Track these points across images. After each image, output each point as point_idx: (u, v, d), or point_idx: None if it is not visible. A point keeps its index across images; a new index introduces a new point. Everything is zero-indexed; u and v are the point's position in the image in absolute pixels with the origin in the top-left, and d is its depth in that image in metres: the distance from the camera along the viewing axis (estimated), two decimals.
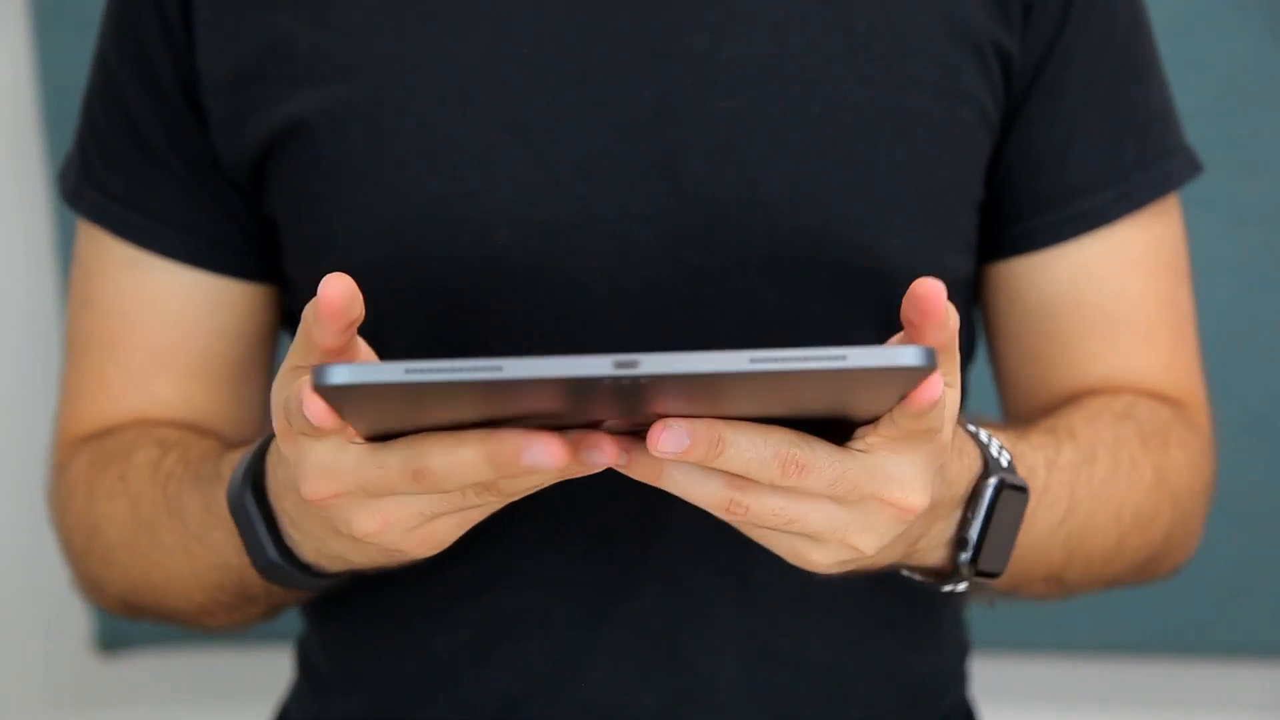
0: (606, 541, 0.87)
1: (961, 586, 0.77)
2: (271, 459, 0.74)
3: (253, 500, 0.75)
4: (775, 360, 0.56)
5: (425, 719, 0.91)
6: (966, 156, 0.88)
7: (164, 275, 0.91)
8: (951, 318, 0.65)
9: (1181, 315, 0.94)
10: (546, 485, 0.67)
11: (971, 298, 0.94)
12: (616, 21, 0.84)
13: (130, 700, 1.63)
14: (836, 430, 0.65)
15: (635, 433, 0.64)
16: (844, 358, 0.56)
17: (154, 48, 0.89)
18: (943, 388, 0.62)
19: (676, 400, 0.60)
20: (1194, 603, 1.48)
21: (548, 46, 0.84)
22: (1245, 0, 1.42)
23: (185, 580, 0.85)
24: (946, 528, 0.75)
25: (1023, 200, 0.91)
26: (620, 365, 0.56)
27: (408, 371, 0.56)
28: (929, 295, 0.64)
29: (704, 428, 0.62)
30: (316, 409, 0.61)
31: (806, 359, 0.56)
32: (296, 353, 0.67)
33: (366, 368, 0.57)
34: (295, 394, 0.63)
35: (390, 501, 0.66)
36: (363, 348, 0.69)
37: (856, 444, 0.64)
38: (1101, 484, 0.85)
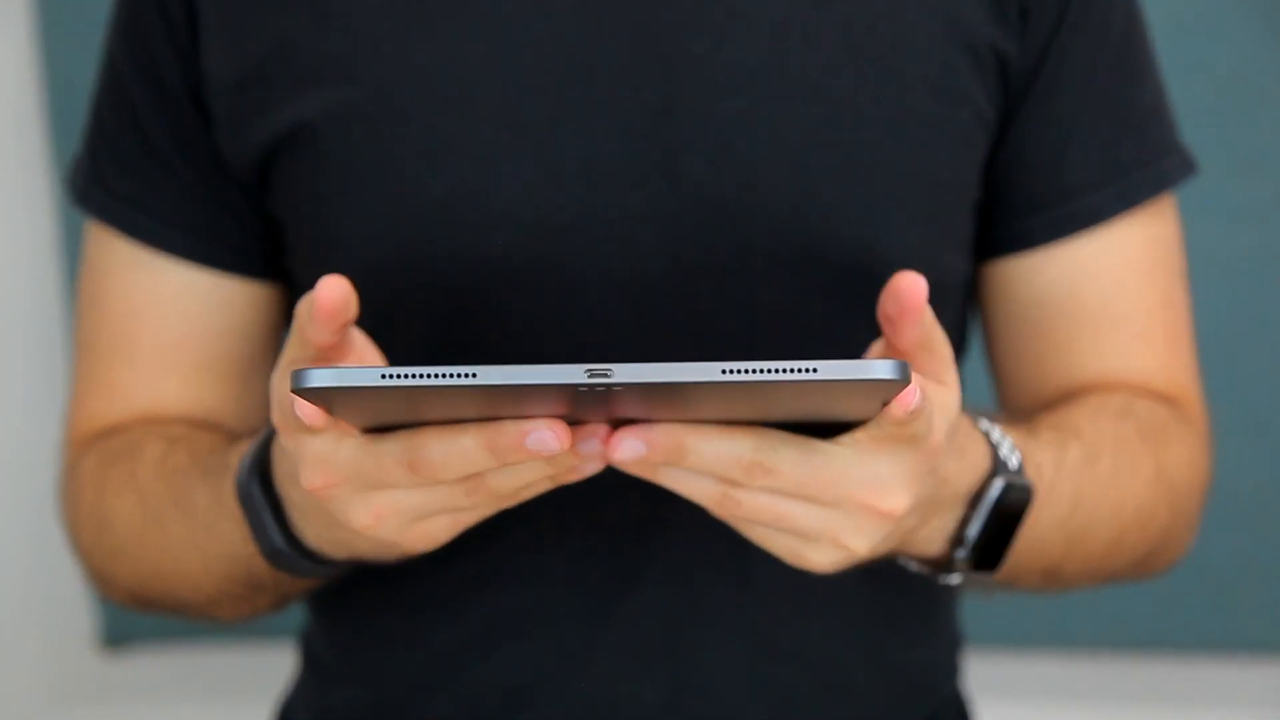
0: (608, 537, 0.88)
1: (956, 579, 0.78)
2: (276, 449, 0.75)
3: (259, 489, 0.76)
4: (746, 372, 0.56)
5: (428, 712, 0.91)
6: (964, 157, 0.88)
7: (171, 275, 0.92)
8: (930, 318, 0.66)
9: (1177, 313, 0.94)
10: (535, 494, 0.68)
11: (968, 297, 0.95)
12: (618, 23, 0.85)
13: (134, 697, 1.63)
14: (834, 429, 0.66)
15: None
16: (815, 370, 0.57)
17: (159, 50, 0.90)
18: (921, 397, 0.62)
19: (655, 406, 0.62)
20: (1192, 600, 1.48)
21: (550, 48, 0.85)
22: (1243, 2, 1.42)
23: (194, 571, 0.86)
24: (946, 523, 0.75)
25: (1019, 199, 0.91)
26: (593, 374, 0.56)
27: (383, 377, 0.57)
28: (910, 289, 0.65)
29: (663, 435, 0.64)
30: (305, 409, 0.63)
31: (777, 371, 0.56)
32: (293, 347, 0.69)
33: (343, 372, 0.58)
34: (286, 392, 0.65)
35: (384, 495, 0.67)
36: (358, 341, 0.71)
37: (840, 442, 0.65)
38: (1105, 482, 0.85)
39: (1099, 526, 0.86)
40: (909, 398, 0.61)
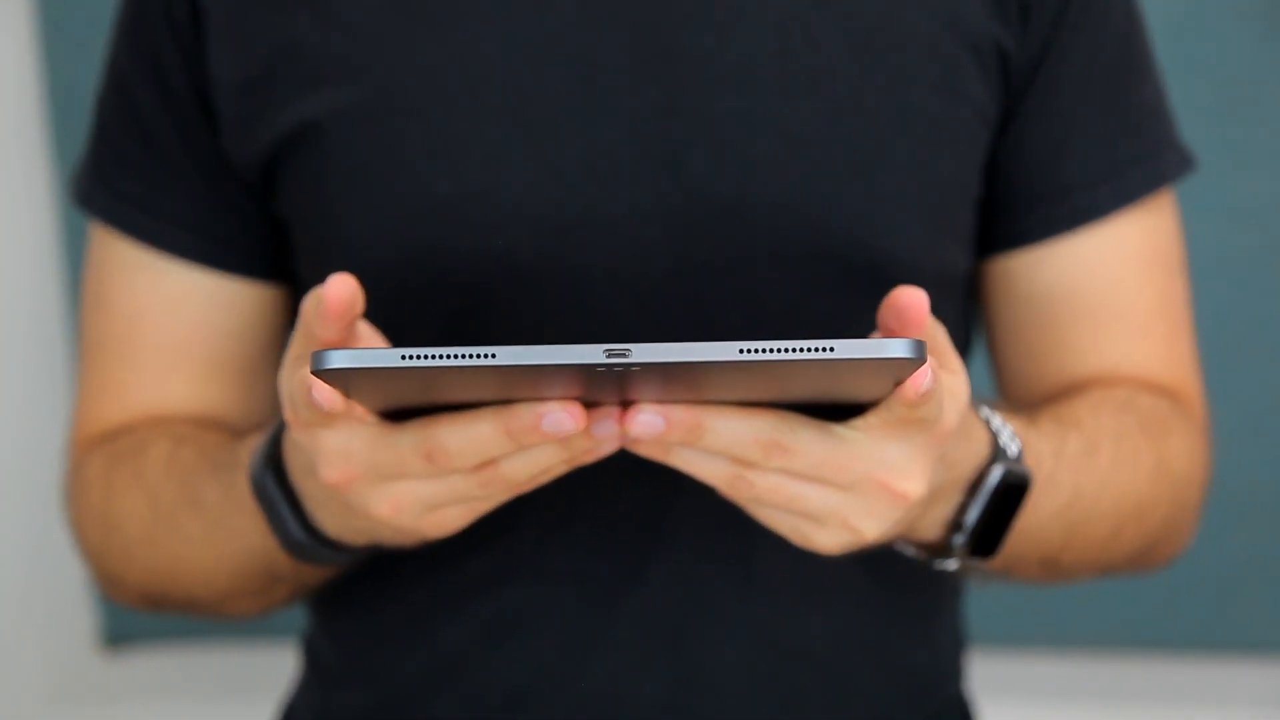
0: (612, 534, 0.88)
1: (952, 564, 0.78)
2: (288, 443, 0.75)
3: (274, 482, 0.76)
4: (763, 351, 0.57)
5: (431, 713, 0.91)
6: (966, 153, 0.89)
7: (176, 276, 0.92)
8: (924, 309, 0.67)
9: (1177, 308, 0.95)
10: (550, 478, 0.68)
11: (969, 292, 0.95)
12: (623, 21, 0.85)
13: (135, 696, 1.63)
14: (848, 412, 0.66)
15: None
16: (831, 349, 0.57)
17: (165, 50, 0.90)
18: (935, 378, 0.62)
19: (673, 388, 0.62)
20: (1192, 599, 1.49)
21: (555, 46, 0.85)
22: (1243, 2, 1.42)
23: (209, 568, 0.86)
24: (946, 509, 0.76)
25: (1019, 196, 0.91)
26: (611, 354, 0.57)
27: (404, 357, 0.57)
28: (910, 305, 0.65)
29: (681, 413, 0.65)
30: (323, 392, 0.63)
31: (793, 350, 0.57)
32: (298, 343, 0.69)
33: (363, 353, 0.58)
34: (300, 383, 0.65)
35: (401, 485, 0.68)
36: (365, 334, 0.71)
37: (854, 426, 0.66)
38: (1105, 474, 0.86)
39: (1098, 517, 0.86)
40: (921, 379, 0.62)
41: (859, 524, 0.68)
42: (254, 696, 1.44)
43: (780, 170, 0.85)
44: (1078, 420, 0.86)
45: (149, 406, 0.93)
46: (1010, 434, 0.77)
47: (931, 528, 0.76)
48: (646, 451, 0.67)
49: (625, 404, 0.65)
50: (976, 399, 0.79)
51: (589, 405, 0.65)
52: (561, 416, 0.63)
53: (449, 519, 0.71)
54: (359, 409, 0.66)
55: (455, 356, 0.57)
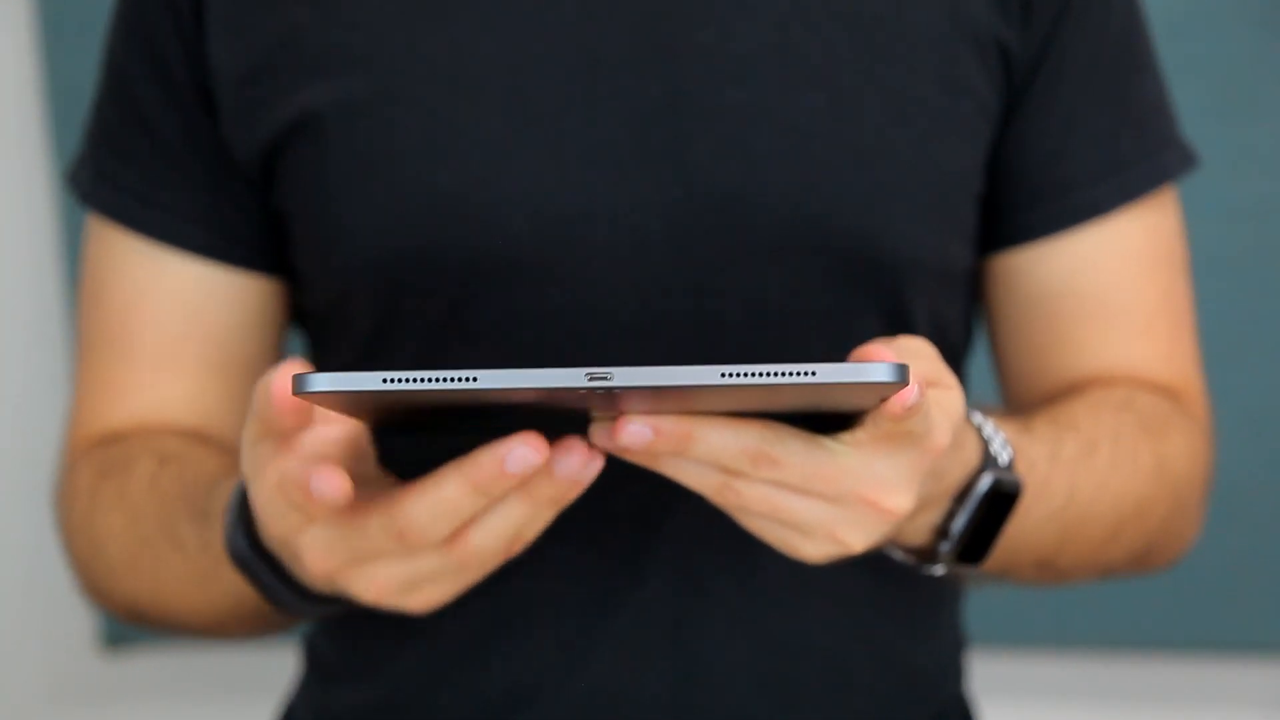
0: (612, 531, 0.88)
1: (940, 570, 0.78)
2: (257, 509, 0.71)
3: (252, 552, 0.75)
4: (744, 375, 0.57)
5: (433, 709, 0.91)
6: (968, 147, 0.89)
7: (175, 268, 0.92)
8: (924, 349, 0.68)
9: (1179, 306, 0.94)
10: (536, 530, 0.70)
11: (971, 289, 0.95)
12: (625, 14, 0.85)
13: (134, 697, 1.63)
14: (844, 419, 0.66)
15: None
16: (813, 374, 0.57)
17: (166, 42, 0.90)
18: (919, 394, 0.62)
19: (661, 403, 0.62)
20: (1193, 599, 1.49)
21: (558, 39, 0.85)
22: (1242, 2, 1.42)
23: (195, 601, 0.86)
24: (933, 517, 0.75)
25: (1020, 192, 0.91)
26: (593, 378, 0.57)
27: (384, 381, 0.57)
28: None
29: (670, 424, 0.64)
30: (331, 485, 0.64)
31: (775, 375, 0.57)
32: (254, 428, 0.68)
33: (344, 377, 0.58)
34: (295, 481, 0.65)
35: (380, 568, 0.69)
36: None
37: (842, 440, 0.66)
38: (1102, 474, 0.85)
39: (1095, 518, 0.86)
40: (906, 395, 0.62)
41: (845, 536, 0.68)
42: (254, 696, 1.44)
43: (782, 163, 0.85)
44: (1075, 421, 0.86)
45: (143, 409, 0.92)
46: (1002, 441, 0.76)
47: (918, 534, 0.76)
48: (635, 459, 0.67)
49: (615, 415, 0.65)
50: (970, 405, 0.79)
51: (579, 419, 0.65)
52: (523, 451, 0.63)
53: (432, 596, 0.71)
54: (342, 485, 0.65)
55: (436, 380, 0.57)
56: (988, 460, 0.76)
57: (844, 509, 0.67)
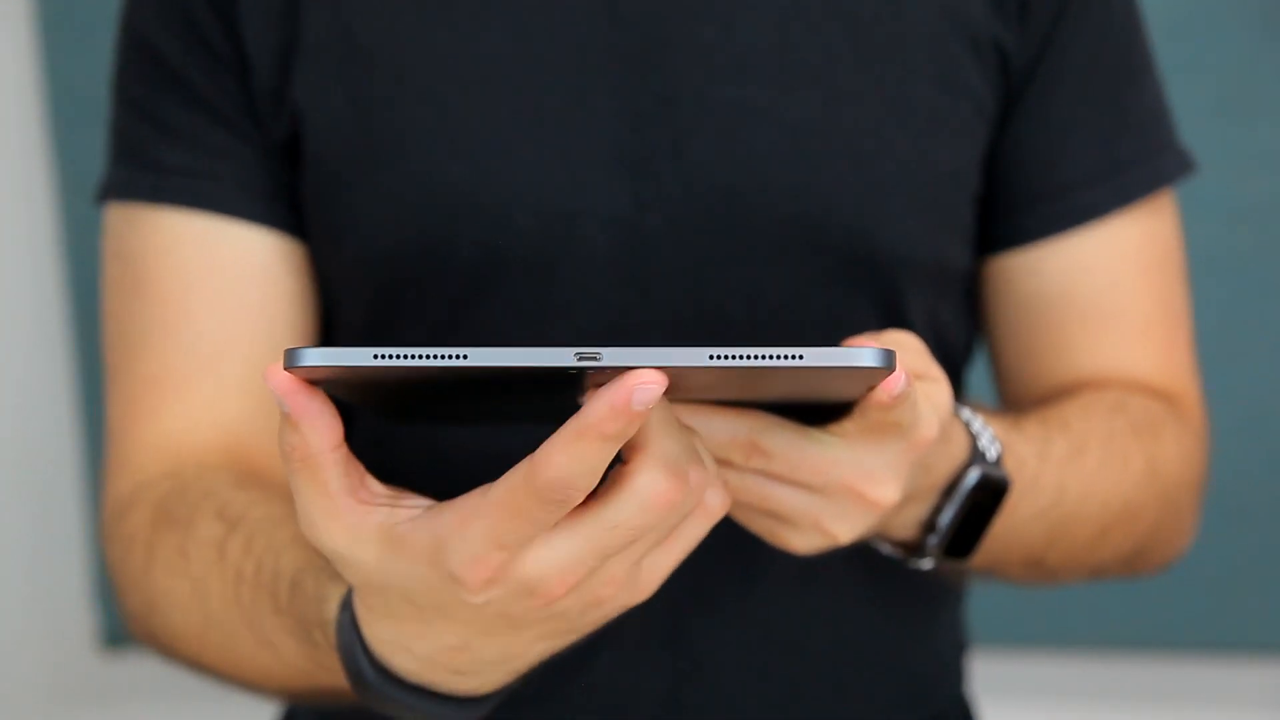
0: None
1: (927, 564, 0.78)
2: (371, 620, 0.65)
3: (389, 682, 0.66)
4: (732, 358, 0.57)
5: None
6: (965, 148, 0.89)
7: (232, 237, 0.88)
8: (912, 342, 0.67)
9: (1175, 310, 0.94)
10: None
11: (970, 290, 0.95)
12: (628, 11, 0.86)
13: (135, 697, 1.63)
14: (827, 409, 0.66)
15: None
16: (800, 357, 0.57)
17: (204, 18, 0.88)
18: (906, 383, 0.62)
19: None
20: (1192, 600, 1.49)
21: (563, 35, 0.86)
22: (1243, 2, 1.42)
23: (273, 683, 0.80)
24: (920, 510, 0.75)
25: (1017, 194, 0.91)
26: (582, 357, 0.57)
27: (376, 357, 0.57)
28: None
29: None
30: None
31: (763, 358, 0.57)
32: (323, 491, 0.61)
33: (336, 352, 0.58)
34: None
35: (549, 549, 0.60)
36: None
37: (831, 431, 0.66)
38: (1092, 475, 0.85)
39: (1084, 519, 0.86)
40: (893, 383, 0.62)
41: (831, 527, 0.68)
42: (254, 698, 1.44)
43: (780, 161, 0.85)
44: (1066, 422, 0.86)
45: (198, 418, 0.88)
46: (990, 437, 0.77)
47: (905, 527, 0.76)
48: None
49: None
50: (959, 401, 0.79)
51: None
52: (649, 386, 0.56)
53: (656, 568, 0.63)
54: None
55: (426, 357, 0.57)
56: (975, 455, 0.76)
57: (831, 500, 0.68)
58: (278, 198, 0.89)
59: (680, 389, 0.62)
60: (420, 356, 0.57)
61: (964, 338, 0.95)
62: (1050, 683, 1.56)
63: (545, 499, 0.57)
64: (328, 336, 0.93)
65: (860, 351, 0.58)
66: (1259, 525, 1.47)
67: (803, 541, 0.70)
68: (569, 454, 0.56)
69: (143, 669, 1.61)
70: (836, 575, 0.90)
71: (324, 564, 0.71)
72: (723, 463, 0.67)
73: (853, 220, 0.86)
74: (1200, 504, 0.95)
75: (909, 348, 0.69)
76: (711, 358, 0.57)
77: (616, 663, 0.89)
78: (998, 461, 0.76)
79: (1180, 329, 0.95)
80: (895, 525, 0.76)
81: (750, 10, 0.86)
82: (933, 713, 0.97)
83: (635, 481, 0.59)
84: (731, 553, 0.88)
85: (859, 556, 0.85)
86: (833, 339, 0.83)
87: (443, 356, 0.57)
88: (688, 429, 0.62)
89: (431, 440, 0.88)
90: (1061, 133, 0.91)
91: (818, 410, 0.66)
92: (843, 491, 0.67)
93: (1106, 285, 0.92)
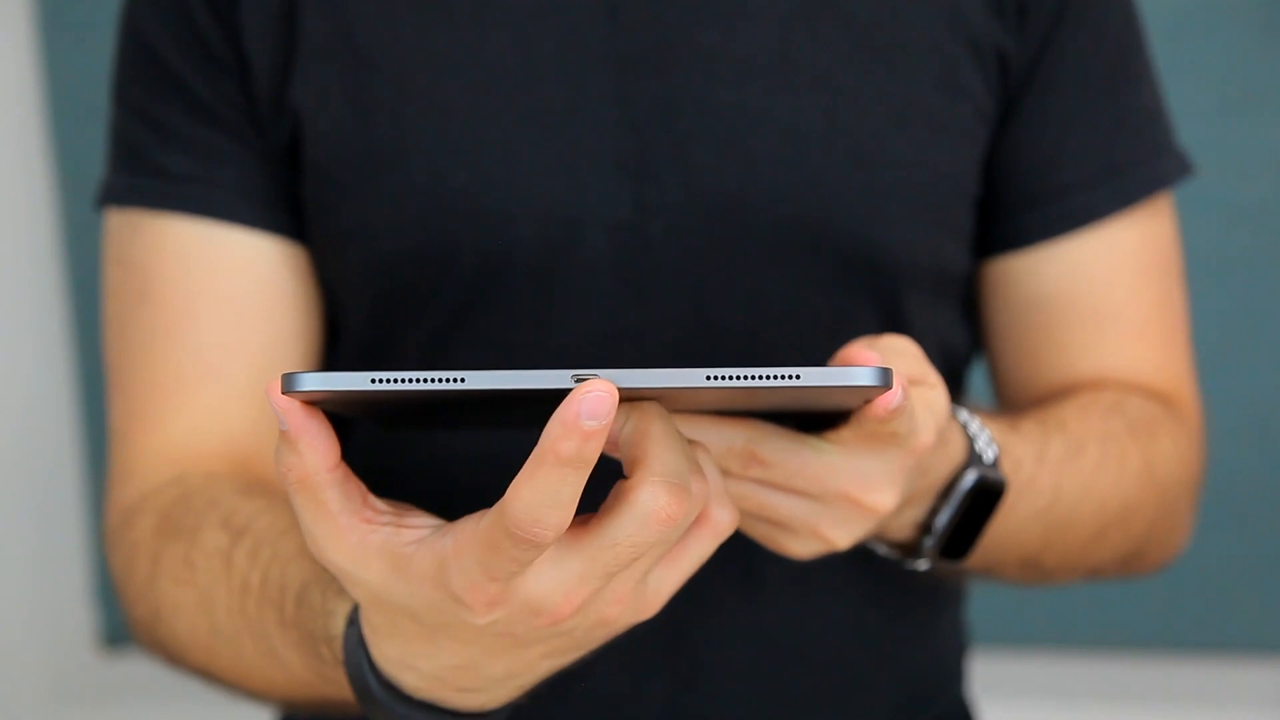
0: None
1: (923, 565, 0.78)
2: (378, 639, 0.65)
3: (397, 698, 0.66)
4: (728, 379, 0.57)
5: None
6: (965, 151, 0.89)
7: (237, 243, 0.89)
8: (909, 347, 0.67)
9: (1173, 312, 0.95)
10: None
11: (969, 293, 0.95)
12: (631, 14, 0.86)
13: (134, 697, 1.63)
14: (826, 415, 0.66)
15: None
16: (797, 377, 0.57)
17: (206, 26, 0.88)
18: (902, 397, 0.62)
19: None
20: (1192, 600, 1.49)
21: (565, 39, 0.86)
22: (1243, 2, 1.42)
23: (281, 693, 0.81)
24: (917, 513, 0.76)
25: (1016, 197, 0.92)
26: (579, 379, 0.57)
27: (373, 381, 0.57)
28: (859, 363, 0.64)
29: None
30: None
31: (759, 378, 0.57)
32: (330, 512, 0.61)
33: (333, 376, 0.58)
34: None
35: (621, 577, 0.61)
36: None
37: (827, 439, 0.66)
38: (1088, 476, 0.86)
39: (1080, 520, 0.86)
40: (890, 398, 0.62)
41: (829, 533, 0.69)
42: None
43: (781, 165, 0.85)
44: (1063, 423, 0.86)
45: (202, 425, 0.88)
46: (987, 439, 0.77)
47: (902, 529, 0.76)
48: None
49: None
50: (958, 403, 0.79)
51: None
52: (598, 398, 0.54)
53: (665, 582, 0.63)
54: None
55: (423, 381, 0.57)
56: (972, 457, 0.76)
57: (828, 507, 0.68)
58: (280, 203, 0.89)
59: (678, 403, 0.62)
60: (417, 381, 0.57)
61: (964, 340, 0.95)
62: (1050, 683, 1.56)
63: (515, 537, 0.56)
64: (332, 341, 0.93)
65: (857, 371, 0.58)
66: (1259, 525, 1.47)
67: (801, 547, 0.70)
68: (530, 486, 0.55)
69: (143, 669, 1.61)
70: (836, 579, 0.90)
71: (330, 577, 0.70)
72: (721, 471, 0.67)
73: (853, 224, 0.86)
74: (1197, 505, 0.95)
75: (905, 353, 0.69)
76: (709, 378, 0.57)
77: (617, 668, 0.89)
78: (994, 463, 0.76)
79: (1178, 330, 0.95)
80: (892, 527, 0.76)
81: (751, 15, 0.86)
82: (933, 715, 0.97)
83: (635, 497, 0.58)
84: (731, 558, 0.88)
85: (859, 560, 0.85)
86: (833, 342, 0.84)
87: (440, 380, 0.57)
88: (694, 443, 0.62)
89: (431, 441, 0.88)
90: (1060, 135, 0.91)
91: (815, 416, 0.67)
92: (840, 499, 0.67)
93: (1104, 287, 0.92)
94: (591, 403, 0.53)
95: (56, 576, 1.57)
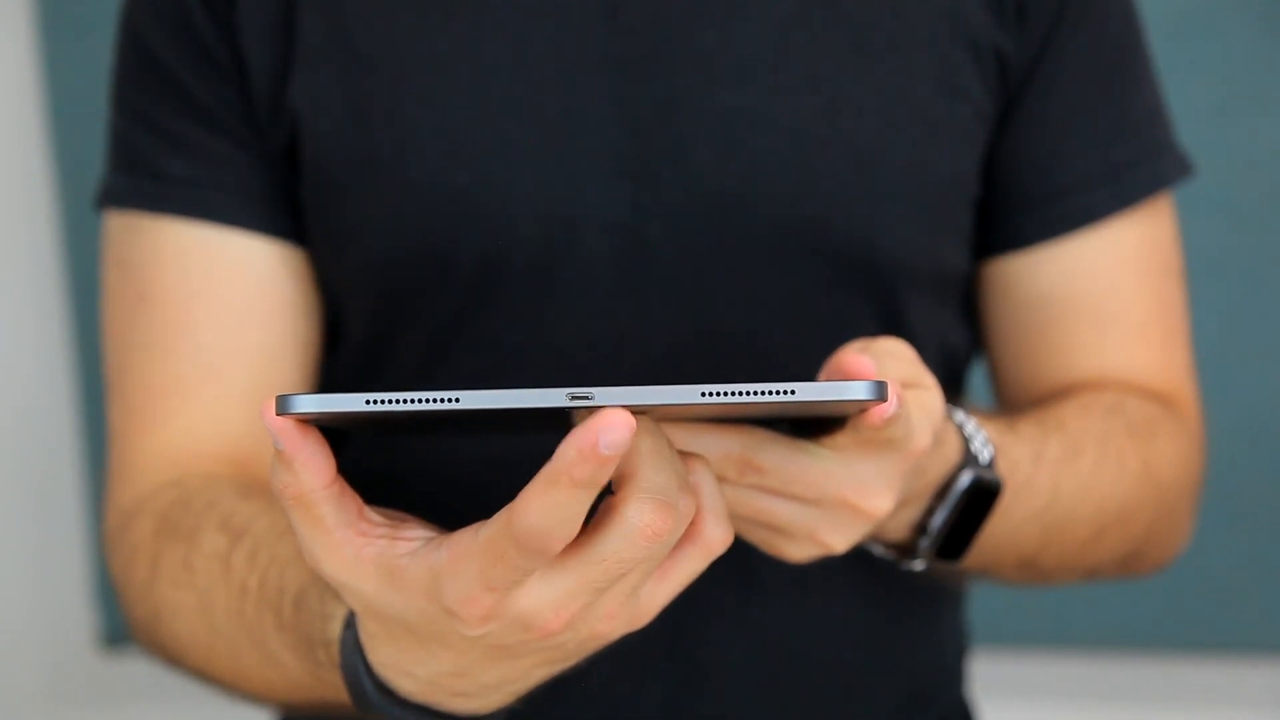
0: None
1: (919, 565, 0.78)
2: (373, 645, 0.65)
3: (392, 702, 0.66)
4: (724, 394, 0.57)
5: None
6: (964, 152, 0.89)
7: (234, 246, 0.89)
8: (901, 346, 0.67)
9: (1173, 313, 0.94)
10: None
11: (969, 293, 0.95)
12: (629, 17, 0.86)
13: (134, 697, 1.63)
14: (826, 422, 0.67)
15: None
16: (792, 392, 0.57)
17: (204, 28, 0.88)
18: (897, 405, 0.62)
19: (645, 413, 0.62)
20: (1192, 600, 1.49)
21: (564, 41, 0.86)
22: (1242, 2, 1.42)
23: (279, 695, 0.81)
24: (912, 514, 0.76)
25: (1015, 197, 0.91)
26: (574, 398, 0.57)
27: (368, 402, 0.57)
28: (854, 370, 0.64)
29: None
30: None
31: (755, 394, 0.57)
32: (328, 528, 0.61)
33: (328, 398, 0.58)
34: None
35: (612, 591, 0.61)
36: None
37: (824, 444, 0.66)
38: (1086, 477, 0.86)
39: (1078, 520, 0.86)
40: (884, 409, 0.62)
41: (826, 538, 0.69)
42: None
43: (780, 167, 0.85)
44: (1061, 423, 0.86)
45: (201, 427, 0.88)
46: (983, 440, 0.77)
47: (897, 530, 0.76)
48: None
49: None
50: (958, 404, 0.79)
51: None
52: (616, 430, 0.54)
53: (656, 595, 0.63)
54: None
55: (419, 401, 0.57)
56: (968, 458, 0.76)
57: (825, 511, 0.68)
58: (278, 205, 0.89)
59: (673, 415, 0.63)
60: (412, 401, 0.57)
61: (963, 341, 0.95)
62: (1050, 683, 1.56)
63: (523, 547, 0.56)
64: (331, 343, 0.93)
65: (852, 385, 0.58)
66: (1259, 525, 1.47)
67: (798, 551, 0.70)
68: (543, 502, 0.55)
69: (142, 669, 1.61)
70: (835, 581, 0.90)
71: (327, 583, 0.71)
72: (717, 478, 0.67)
73: (852, 225, 0.86)
74: (1197, 506, 0.95)
75: (900, 356, 0.69)
76: (704, 395, 0.57)
77: (615, 670, 0.89)
78: (990, 464, 0.76)
79: (1178, 331, 0.95)
80: (888, 528, 0.76)
81: (750, 16, 0.86)
82: (933, 716, 0.97)
83: (622, 513, 0.58)
84: (730, 560, 0.88)
85: (858, 561, 0.85)
86: (832, 343, 0.83)
87: (435, 400, 0.57)
88: (693, 455, 0.62)
89: (431, 444, 0.88)
90: (1059, 136, 0.91)
91: (811, 421, 0.67)
92: (837, 503, 0.68)
93: (1104, 288, 0.92)
94: (611, 434, 0.54)
95: (56, 577, 1.57)
